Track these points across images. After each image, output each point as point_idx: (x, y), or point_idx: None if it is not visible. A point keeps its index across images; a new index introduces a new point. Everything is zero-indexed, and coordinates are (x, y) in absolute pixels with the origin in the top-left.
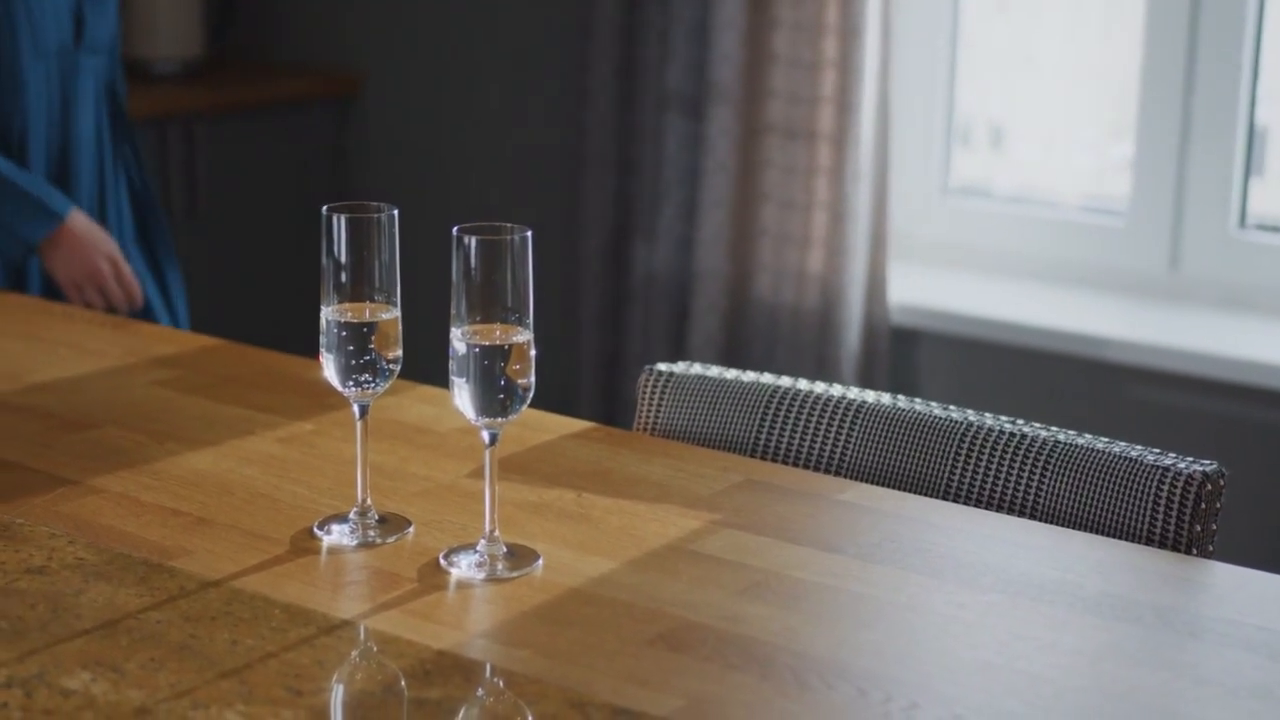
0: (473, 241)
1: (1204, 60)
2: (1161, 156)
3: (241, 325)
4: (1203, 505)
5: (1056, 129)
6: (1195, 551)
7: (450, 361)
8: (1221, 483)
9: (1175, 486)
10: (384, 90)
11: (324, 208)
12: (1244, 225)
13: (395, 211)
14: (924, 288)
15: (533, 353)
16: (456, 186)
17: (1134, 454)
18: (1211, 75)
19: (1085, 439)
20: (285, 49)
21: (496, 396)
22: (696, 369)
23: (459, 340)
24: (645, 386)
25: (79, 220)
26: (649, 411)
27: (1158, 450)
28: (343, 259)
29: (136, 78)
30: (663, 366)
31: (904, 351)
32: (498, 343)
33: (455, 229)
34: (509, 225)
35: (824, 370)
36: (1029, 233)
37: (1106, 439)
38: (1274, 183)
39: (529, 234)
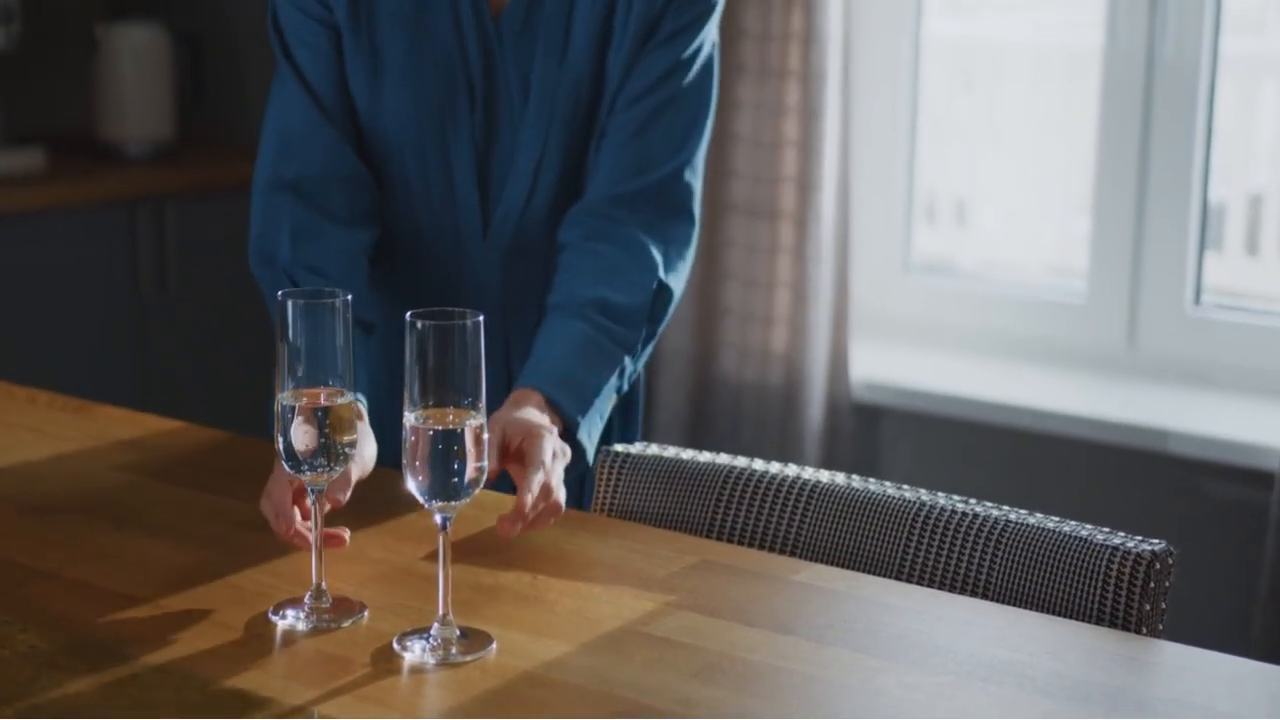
0: (425, 326)
1: (1157, 140)
2: (1118, 235)
3: (210, 405)
4: (1152, 584)
5: (1020, 203)
6: (1145, 630)
7: (403, 445)
8: (1170, 561)
9: (1124, 566)
10: None
11: (279, 294)
12: (1199, 303)
13: (349, 297)
14: (886, 365)
15: (485, 436)
16: None
17: (1084, 533)
18: (1165, 155)
19: (1036, 518)
20: (253, 130)
21: (450, 480)
22: (653, 449)
23: (412, 424)
24: (603, 467)
25: None
26: (606, 492)
27: (1107, 529)
28: (298, 344)
29: (108, 160)
30: (619, 447)
31: (867, 428)
32: (450, 427)
33: (409, 314)
34: (462, 310)
35: (788, 446)
36: (989, 309)
37: (1057, 518)
38: (1232, 256)
39: (480, 318)
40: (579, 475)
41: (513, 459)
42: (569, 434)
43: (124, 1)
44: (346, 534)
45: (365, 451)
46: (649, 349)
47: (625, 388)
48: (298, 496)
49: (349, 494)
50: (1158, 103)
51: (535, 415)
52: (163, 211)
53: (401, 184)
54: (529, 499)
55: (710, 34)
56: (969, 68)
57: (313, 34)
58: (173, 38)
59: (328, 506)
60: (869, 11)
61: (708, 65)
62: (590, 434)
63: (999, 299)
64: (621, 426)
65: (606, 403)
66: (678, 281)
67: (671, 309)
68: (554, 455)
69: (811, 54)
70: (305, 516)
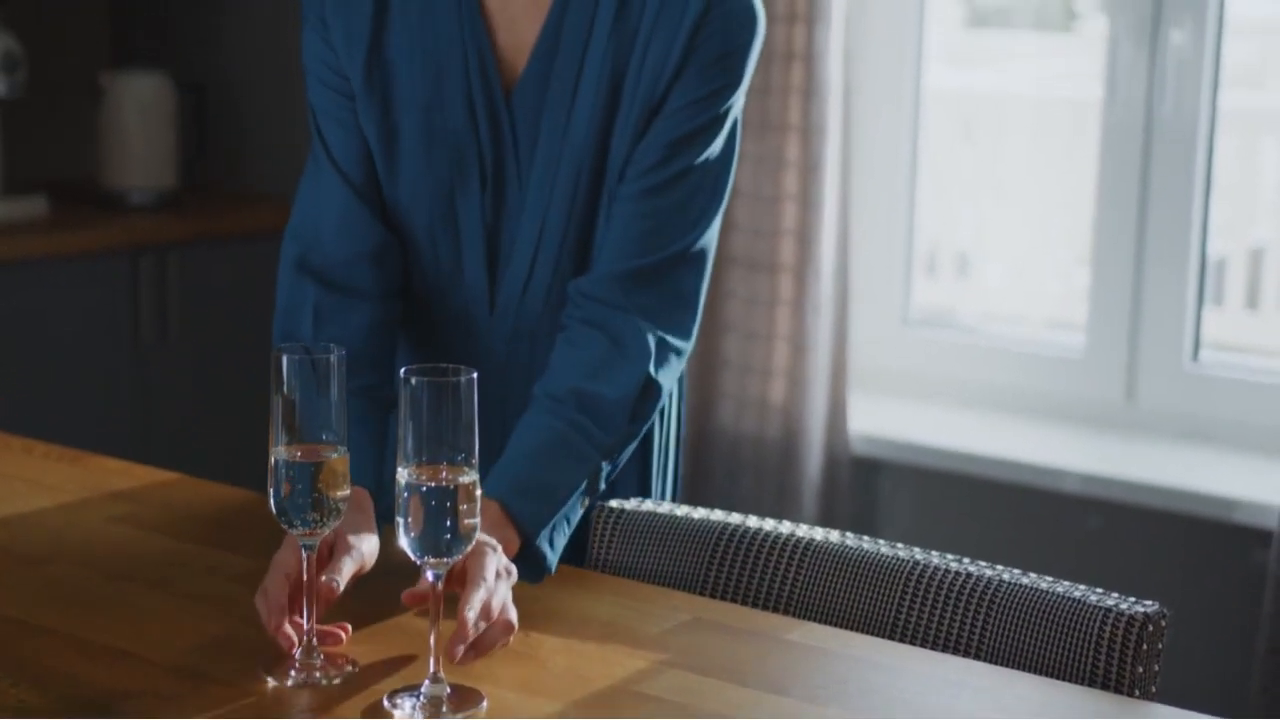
0: (420, 383)
1: (1156, 195)
2: (1117, 290)
3: (209, 456)
4: (1144, 646)
5: (1022, 255)
6: (1138, 693)
7: (395, 501)
8: (1163, 624)
9: (1117, 628)
10: None
11: (273, 350)
12: (1197, 358)
13: (344, 352)
14: (885, 418)
15: (478, 493)
16: None
17: (1077, 594)
18: (1164, 210)
19: (1029, 579)
20: (256, 179)
21: (443, 537)
22: (648, 505)
23: (404, 480)
24: (597, 523)
25: None
26: (600, 548)
27: (1100, 590)
28: (292, 399)
29: (111, 208)
30: (614, 503)
31: (865, 481)
32: (444, 483)
33: (403, 370)
34: (456, 367)
35: (785, 499)
36: (988, 363)
37: (1050, 579)
38: (1233, 310)
39: (474, 375)
40: (575, 541)
41: (455, 579)
42: (528, 543)
43: (129, 50)
44: (345, 632)
45: (364, 546)
46: (631, 447)
47: (603, 486)
48: (294, 593)
49: (344, 583)
50: (1156, 158)
51: (483, 534)
52: (165, 260)
53: (413, 258)
54: (470, 616)
55: (735, 106)
56: (970, 119)
57: (342, 110)
58: (177, 87)
59: (323, 575)
60: (870, 64)
61: (729, 139)
62: (553, 540)
63: (998, 352)
64: (646, 476)
65: (576, 506)
66: (669, 376)
67: (659, 405)
68: (498, 574)
69: (812, 108)
70: (297, 612)
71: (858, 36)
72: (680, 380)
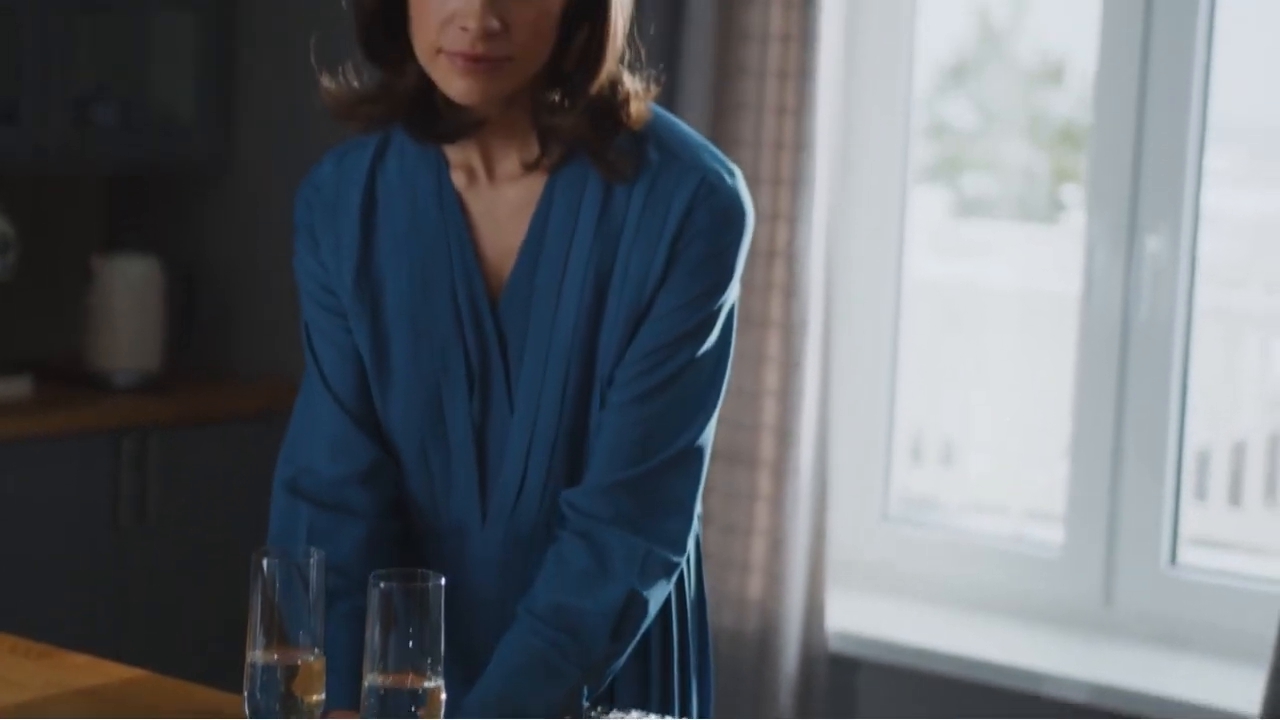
0: (388, 587)
1: (1133, 397)
2: (1094, 490)
3: (185, 644)
4: None
5: (1004, 444)
6: None
7: (362, 705)
8: None
9: None
10: None
11: (253, 552)
12: (1175, 561)
13: (323, 555)
14: (862, 615)
15: (443, 697)
16: None
17: None
18: (1141, 411)
19: None
20: (241, 362)
21: None
22: (634, 715)
23: (371, 684)
24: None
25: None
26: None
27: None
28: (271, 601)
29: (95, 389)
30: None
31: (842, 678)
32: (411, 688)
33: (372, 574)
34: (425, 572)
35: (762, 696)
36: (966, 560)
37: None
38: (1216, 506)
39: (443, 581)
40: None
41: None
42: None
43: (121, 234)
44: None
45: None
46: (617, 665)
47: (586, 703)
48: None
49: None
50: (1133, 360)
51: None
52: (146, 442)
53: (406, 472)
54: None
55: (728, 299)
56: (952, 308)
57: (334, 329)
58: (166, 271)
59: None
60: (853, 254)
61: (725, 330)
62: None
63: (976, 550)
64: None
65: None
66: (656, 591)
67: (645, 622)
68: None
69: (794, 305)
70: None
71: (840, 230)
72: (697, 568)
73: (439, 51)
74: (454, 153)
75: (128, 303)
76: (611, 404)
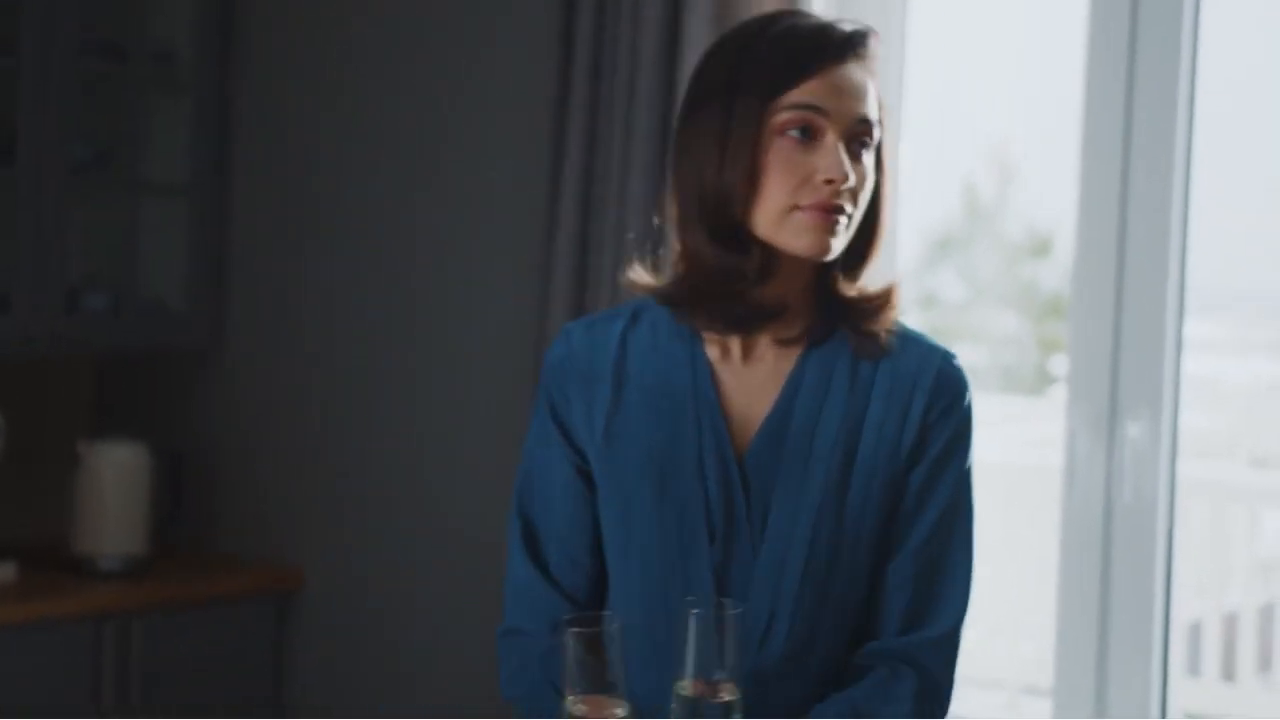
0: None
1: (1118, 579)
2: (1080, 666)
3: None
4: None
5: (996, 615)
6: None
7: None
8: None
9: None
10: (324, 587)
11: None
12: None
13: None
14: None
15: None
16: (402, 687)
17: None
18: (1126, 594)
19: None
20: (227, 543)
21: None
22: None
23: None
24: None
25: None
26: None
27: None
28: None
29: (80, 574)
30: None
31: None
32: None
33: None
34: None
35: None
36: None
37: None
38: (1209, 680)
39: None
40: None
41: None
42: None
43: (109, 419)
44: None
45: None
46: None
47: None
48: None
49: None
50: (1117, 545)
51: None
52: (129, 628)
53: (643, 613)
54: None
55: (972, 455)
56: None
57: (570, 520)
58: (153, 454)
59: None
60: None
61: (971, 491)
62: None
63: None
64: None
65: None
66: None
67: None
68: None
69: None
70: None
71: None
72: None
73: (793, 209)
74: (710, 333)
75: (114, 488)
76: (891, 576)
